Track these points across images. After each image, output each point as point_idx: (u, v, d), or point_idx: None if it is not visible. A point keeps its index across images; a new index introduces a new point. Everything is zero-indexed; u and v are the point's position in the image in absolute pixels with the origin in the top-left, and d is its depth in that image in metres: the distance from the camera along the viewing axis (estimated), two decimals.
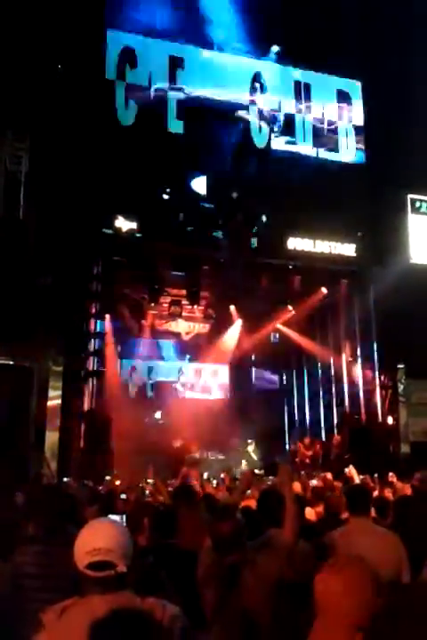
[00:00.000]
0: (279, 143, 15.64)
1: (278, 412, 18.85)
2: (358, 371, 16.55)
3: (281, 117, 15.72)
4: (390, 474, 9.33)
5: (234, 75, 15.47)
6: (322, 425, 17.72)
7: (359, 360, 16.56)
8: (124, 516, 4.71)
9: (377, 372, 15.76)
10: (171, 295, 16.27)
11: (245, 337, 17.74)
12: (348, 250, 15.44)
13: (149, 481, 10.27)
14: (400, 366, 14.92)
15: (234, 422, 15.89)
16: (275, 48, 15.71)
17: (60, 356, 12.85)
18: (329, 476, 9.58)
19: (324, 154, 15.86)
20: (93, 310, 15.44)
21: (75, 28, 12.84)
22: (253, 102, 15.61)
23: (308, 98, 16.03)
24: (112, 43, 14.40)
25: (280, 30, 15.29)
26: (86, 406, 14.99)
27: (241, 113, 15.44)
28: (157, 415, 16.95)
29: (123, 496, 7.67)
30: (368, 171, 15.64)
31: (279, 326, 17.87)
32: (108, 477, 11.15)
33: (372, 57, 15.05)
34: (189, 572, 3.32)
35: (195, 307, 16.69)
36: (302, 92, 16.06)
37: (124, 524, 3.17)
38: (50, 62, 12.97)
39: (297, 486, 6.86)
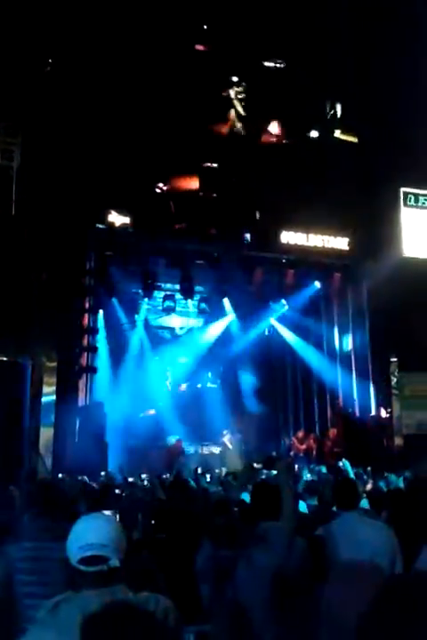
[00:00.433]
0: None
1: (272, 406, 18.84)
2: (351, 364, 16.58)
3: None
4: None
5: None
6: (316, 418, 17.75)
7: (353, 353, 16.60)
8: (118, 511, 4.71)
9: (370, 365, 15.80)
10: (164, 290, 16.25)
11: (239, 330, 17.74)
12: (341, 243, 15.48)
13: (143, 476, 10.29)
14: (393, 359, 14.94)
15: (226, 415, 15.96)
16: None
17: (54, 351, 12.83)
18: (323, 469, 9.62)
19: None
20: (87, 305, 15.38)
21: (66, 22, 12.78)
22: None
23: None
24: None
25: None
26: (81, 402, 14.94)
27: None
28: (152, 410, 16.93)
29: (117, 491, 7.68)
30: (361, 164, 15.64)
31: (273, 320, 17.89)
32: (102, 473, 11.14)
33: (362, 53, 15.05)
34: (183, 567, 3.33)
35: (188, 301, 16.68)
36: None
37: (117, 519, 3.17)
38: (41, 57, 12.91)
39: None
